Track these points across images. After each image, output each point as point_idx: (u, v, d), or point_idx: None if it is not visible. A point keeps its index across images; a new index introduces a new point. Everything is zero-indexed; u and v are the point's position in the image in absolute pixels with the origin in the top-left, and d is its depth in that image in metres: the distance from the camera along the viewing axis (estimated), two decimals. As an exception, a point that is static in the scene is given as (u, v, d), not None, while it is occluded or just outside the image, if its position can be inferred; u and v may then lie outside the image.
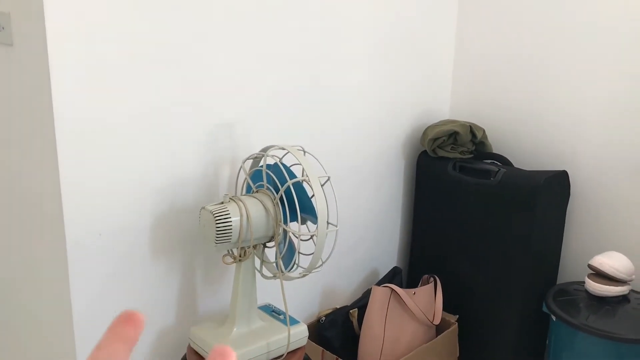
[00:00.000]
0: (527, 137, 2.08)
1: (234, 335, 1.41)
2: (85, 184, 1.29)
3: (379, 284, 1.95)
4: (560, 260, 2.06)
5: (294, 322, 1.47)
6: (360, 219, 2.01)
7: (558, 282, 2.07)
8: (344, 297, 2.03)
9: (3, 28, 1.28)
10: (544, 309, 1.81)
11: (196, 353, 1.45)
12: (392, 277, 2.04)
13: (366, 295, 1.96)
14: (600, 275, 1.78)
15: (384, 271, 2.17)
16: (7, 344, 1.67)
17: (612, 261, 1.76)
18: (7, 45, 1.29)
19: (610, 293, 1.74)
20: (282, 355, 1.42)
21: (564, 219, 2.00)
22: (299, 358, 1.44)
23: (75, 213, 1.28)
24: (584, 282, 1.85)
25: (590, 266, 1.79)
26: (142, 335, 1.47)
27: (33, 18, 1.19)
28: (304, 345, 1.48)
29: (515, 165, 2.09)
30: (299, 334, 1.45)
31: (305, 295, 1.88)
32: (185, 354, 1.49)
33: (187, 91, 1.42)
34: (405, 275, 2.24)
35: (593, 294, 1.77)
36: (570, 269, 2.05)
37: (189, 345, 1.47)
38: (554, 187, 1.88)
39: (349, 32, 1.79)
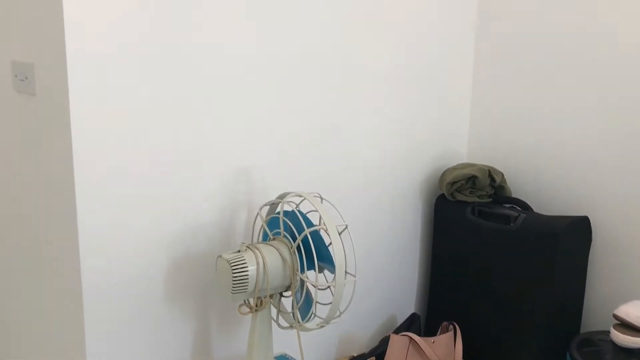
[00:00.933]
0: (547, 181, 2.05)
1: (249, 388, 1.38)
2: (102, 232, 1.29)
3: (397, 331, 1.91)
4: (584, 308, 2.01)
5: (310, 373, 1.43)
6: (377, 264, 1.98)
7: (582, 331, 2.01)
8: (361, 344, 1.99)
9: (27, 78, 1.30)
10: (568, 359, 1.75)
11: (210, 405, 1.42)
12: (410, 324, 1.99)
13: (384, 342, 1.92)
14: (627, 326, 1.72)
15: (401, 317, 2.13)
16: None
17: (638, 311, 1.70)
18: (30, 95, 1.31)
19: (638, 345, 1.68)
20: (299, 408, 1.39)
21: (586, 265, 1.95)
22: (315, 411, 1.40)
23: (92, 262, 1.28)
24: (609, 332, 1.80)
25: (615, 316, 1.74)
26: (156, 386, 1.44)
27: (55, 69, 1.21)
28: (321, 398, 1.45)
29: (535, 209, 2.06)
30: (316, 386, 1.41)
31: (322, 343, 1.85)
32: (199, 406, 1.46)
33: (204, 137, 1.43)
34: (424, 321, 2.19)
35: (619, 345, 1.71)
36: (594, 317, 1.99)
37: (203, 396, 1.44)
38: (576, 233, 1.85)
39: (367, 78, 1.80)
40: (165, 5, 1.30)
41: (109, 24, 1.22)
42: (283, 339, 1.69)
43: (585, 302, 2.00)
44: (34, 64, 1.27)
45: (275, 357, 1.51)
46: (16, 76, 1.32)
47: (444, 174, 2.05)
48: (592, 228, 1.95)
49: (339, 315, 1.38)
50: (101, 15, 1.21)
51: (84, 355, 1.31)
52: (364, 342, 2.00)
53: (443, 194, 2.07)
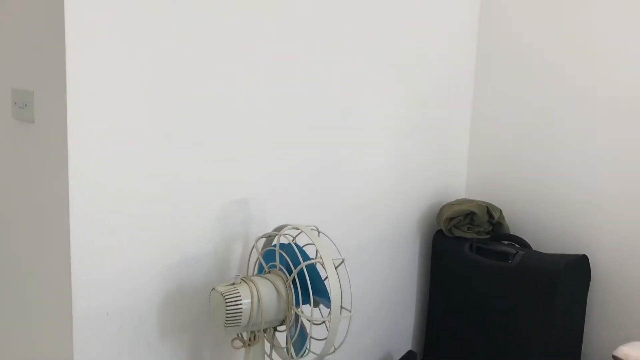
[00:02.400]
0: (545, 218, 2.04)
1: None
2: (95, 263, 1.27)
3: (392, 369, 1.87)
4: (582, 348, 1.97)
5: (303, 411, 1.40)
6: (374, 300, 1.95)
7: (581, 372, 1.98)
8: (356, 381, 1.95)
9: (26, 105, 1.30)
10: (567, 401, 1.72)
11: None
12: (407, 361, 1.96)
13: (379, 380, 1.88)
14: (626, 368, 1.69)
15: (398, 354, 2.09)
16: None
17: (638, 353, 1.67)
18: (29, 123, 1.31)
19: (638, 387, 1.65)
20: None
21: (584, 304, 1.93)
22: None
23: (83, 292, 1.26)
24: (608, 374, 1.77)
25: (615, 357, 1.70)
26: (145, 422, 1.40)
27: (55, 98, 1.21)
28: None
29: (533, 247, 2.05)
30: None
31: (316, 379, 1.81)
32: None
33: (202, 168, 1.43)
34: (420, 359, 2.15)
35: (619, 387, 1.68)
36: (593, 357, 1.95)
37: None
38: (574, 271, 1.83)
39: (367, 116, 1.81)
40: (166, 38, 1.31)
41: (111, 55, 1.23)
42: (276, 374, 1.66)
43: (584, 342, 1.97)
44: (34, 92, 1.27)
45: (268, 394, 1.47)
46: (15, 103, 1.32)
47: (441, 210, 2.04)
48: (591, 266, 1.94)
49: (334, 351, 1.35)
50: (102, 46, 1.22)
51: (71, 389, 1.28)
52: (359, 379, 1.96)
53: (441, 229, 2.06)
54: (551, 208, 2.03)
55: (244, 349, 1.36)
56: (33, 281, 1.38)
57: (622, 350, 1.70)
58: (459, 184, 2.23)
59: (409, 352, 1.99)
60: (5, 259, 1.50)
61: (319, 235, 1.42)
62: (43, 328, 1.37)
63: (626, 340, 1.86)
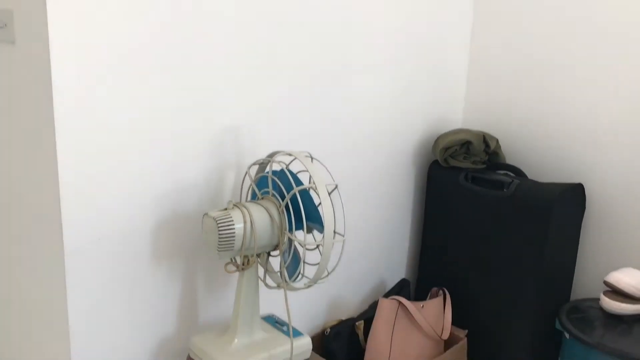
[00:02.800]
0: (542, 147, 2.02)
1: (235, 346, 1.36)
2: (84, 187, 1.25)
3: (386, 296, 1.90)
4: (575, 275, 2.00)
5: (297, 334, 1.42)
6: (368, 229, 1.96)
7: (572, 299, 2.01)
8: (349, 309, 1.98)
9: (5, 25, 1.25)
10: (557, 326, 1.75)
11: (196, 364, 1.40)
12: (400, 289, 1.98)
13: (373, 307, 1.91)
14: (617, 293, 1.71)
15: (391, 283, 2.12)
16: (3, 350, 1.63)
17: (629, 278, 1.69)
18: (9, 43, 1.26)
19: (627, 311, 1.67)
20: (285, 368, 1.38)
21: (578, 233, 1.94)
22: (301, 372, 1.40)
23: (74, 218, 1.25)
24: (599, 299, 1.79)
25: (606, 283, 1.73)
26: (142, 344, 1.43)
27: (35, 15, 1.16)
28: (308, 358, 1.43)
29: (530, 176, 2.04)
30: (303, 346, 1.40)
31: (310, 306, 1.83)
32: (184, 365, 1.45)
33: (191, 93, 1.39)
34: (414, 287, 2.18)
35: (609, 311, 1.70)
36: (584, 285, 1.98)
37: (189, 355, 1.43)
38: (569, 200, 1.83)
39: (362, 40, 1.75)
40: (150, -49, 1.25)
41: (91, -31, 1.17)
42: (271, 301, 1.68)
43: (576, 270, 1.99)
44: (13, 11, 1.22)
45: (262, 318, 1.49)
46: (-5, 23, 1.27)
47: (437, 140, 2.02)
48: (587, 195, 1.93)
49: (327, 276, 1.35)
50: (83, -41, 1.16)
51: (65, 313, 1.29)
52: (353, 306, 1.99)
53: (437, 160, 2.05)
54: (548, 137, 2.00)
55: (237, 273, 1.37)
56: (22, 208, 1.37)
57: (614, 276, 1.72)
58: (456, 114, 2.19)
59: (402, 280, 2.01)
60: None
61: (312, 161, 1.40)
62: (34, 256, 1.36)
63: (618, 267, 1.88)
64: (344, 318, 1.90)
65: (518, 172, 1.95)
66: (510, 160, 2.10)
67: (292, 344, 1.37)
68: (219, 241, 1.27)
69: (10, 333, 1.58)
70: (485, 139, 1.96)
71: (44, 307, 1.38)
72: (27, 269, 1.41)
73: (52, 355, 1.39)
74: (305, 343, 1.41)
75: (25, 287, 1.44)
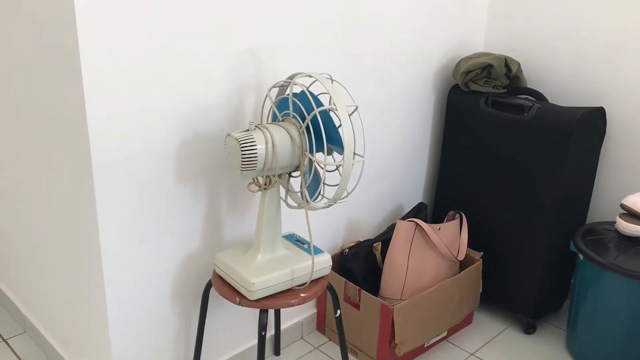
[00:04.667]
0: (564, 72, 1.99)
1: (259, 262, 1.42)
2: (110, 108, 1.27)
3: (403, 218, 1.94)
4: (592, 199, 2.02)
5: (318, 251, 1.47)
6: (386, 152, 1.98)
7: (587, 222, 2.03)
8: (367, 230, 2.03)
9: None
10: (572, 247, 1.78)
11: (221, 278, 1.47)
12: (417, 212, 2.02)
13: (390, 229, 1.96)
14: (633, 215, 1.73)
15: (409, 206, 2.16)
16: (33, 271, 1.72)
17: (646, 201, 1.71)
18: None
19: (642, 233, 1.70)
20: (306, 283, 1.44)
21: (597, 157, 1.94)
22: (322, 287, 1.46)
23: (101, 137, 1.28)
24: (614, 222, 1.82)
25: (622, 205, 1.74)
26: (168, 261, 1.49)
27: None
28: (327, 275, 1.49)
29: (550, 101, 2.02)
30: (323, 262, 1.46)
31: (329, 227, 1.89)
32: (210, 280, 1.51)
33: (211, 15, 1.38)
34: (431, 211, 2.22)
35: (623, 233, 1.73)
36: (601, 208, 2.00)
37: (214, 270, 1.49)
38: (590, 124, 1.82)
39: (381, -44, 1.70)
40: None
41: None
42: (292, 221, 1.73)
43: (593, 193, 2.01)
44: None
45: (283, 236, 1.55)
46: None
47: (458, 63, 2.00)
48: (607, 119, 1.92)
49: (347, 196, 1.39)
50: None
51: (96, 231, 1.34)
52: (371, 228, 2.04)
53: (457, 84, 2.03)
54: (570, 61, 1.97)
55: (259, 192, 1.40)
56: (52, 130, 1.41)
57: (631, 199, 1.73)
58: (478, 37, 2.15)
59: (420, 204, 2.04)
60: (22, 118, 1.52)
61: (332, 83, 1.40)
62: (65, 175, 1.41)
63: (635, 191, 1.89)
64: (362, 239, 1.96)
65: (539, 97, 1.94)
66: (531, 84, 2.08)
67: (313, 259, 1.42)
68: (242, 161, 1.30)
69: (48, 259, 1.66)
70: (506, 62, 1.94)
71: (76, 228, 1.44)
72: (57, 187, 1.47)
73: (85, 272, 1.46)
74: (325, 260, 1.46)
75: (56, 210, 1.50)
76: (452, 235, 1.92)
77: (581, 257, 1.74)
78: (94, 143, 1.27)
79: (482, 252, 2.01)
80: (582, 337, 1.80)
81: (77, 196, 1.39)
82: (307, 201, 1.39)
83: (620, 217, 1.74)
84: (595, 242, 1.75)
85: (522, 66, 2.07)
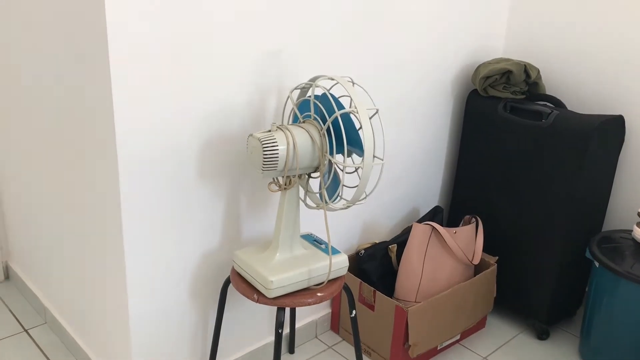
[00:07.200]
0: (583, 79, 2.00)
1: (277, 260, 1.45)
2: (135, 106, 1.31)
3: (419, 221, 1.95)
4: (608, 207, 2.02)
5: (335, 251, 1.49)
6: (404, 156, 1.99)
7: (604, 230, 2.03)
8: (383, 232, 2.05)
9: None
10: (587, 255, 1.79)
11: (239, 275, 1.50)
12: (433, 215, 2.04)
13: (406, 232, 1.97)
14: (650, 224, 1.73)
15: (425, 209, 2.17)
16: (55, 263, 1.76)
17: (664, 210, 1.71)
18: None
19: (658, 242, 1.70)
20: (323, 282, 1.46)
21: (615, 165, 1.94)
22: (338, 287, 1.48)
23: (126, 135, 1.31)
24: (631, 231, 1.82)
25: (639, 214, 1.74)
26: (188, 257, 1.52)
27: None
28: (344, 275, 1.51)
29: (569, 108, 2.03)
30: (340, 263, 1.48)
31: (346, 228, 1.91)
32: (228, 276, 1.54)
33: (236, 16, 1.41)
34: (447, 215, 2.24)
35: (640, 242, 1.73)
36: (617, 217, 2.00)
37: (233, 267, 1.52)
38: (608, 132, 1.82)
39: (404, -39, 1.72)
40: None
41: None
42: (310, 222, 1.75)
43: (610, 201, 2.01)
44: None
45: (301, 236, 1.57)
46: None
47: (478, 68, 2.01)
48: (626, 128, 1.92)
49: (365, 198, 1.41)
50: None
51: (120, 226, 1.38)
52: (386, 231, 2.06)
53: (476, 89, 2.04)
54: (590, 68, 1.97)
55: (279, 192, 1.43)
56: (81, 130, 1.44)
57: (648, 208, 1.73)
58: (498, 43, 2.16)
59: (436, 207, 2.06)
60: (50, 115, 1.55)
61: (353, 86, 1.42)
62: (90, 173, 1.45)
63: (653, 200, 1.89)
64: (377, 241, 1.98)
65: (558, 103, 1.94)
66: (550, 91, 2.09)
67: (330, 259, 1.44)
68: (264, 161, 1.33)
69: (70, 251, 1.70)
70: (526, 68, 1.94)
71: (99, 223, 1.47)
72: (83, 183, 1.50)
73: (110, 263, 1.49)
74: (342, 260, 1.48)
75: (81, 205, 1.54)
76: (468, 239, 1.93)
77: (597, 264, 1.75)
78: (120, 140, 1.30)
79: (497, 257, 2.02)
80: (596, 345, 1.81)
81: (101, 193, 1.42)
82: (326, 202, 1.41)
83: (637, 225, 1.74)
84: (611, 250, 1.75)
85: (541, 72, 2.07)
